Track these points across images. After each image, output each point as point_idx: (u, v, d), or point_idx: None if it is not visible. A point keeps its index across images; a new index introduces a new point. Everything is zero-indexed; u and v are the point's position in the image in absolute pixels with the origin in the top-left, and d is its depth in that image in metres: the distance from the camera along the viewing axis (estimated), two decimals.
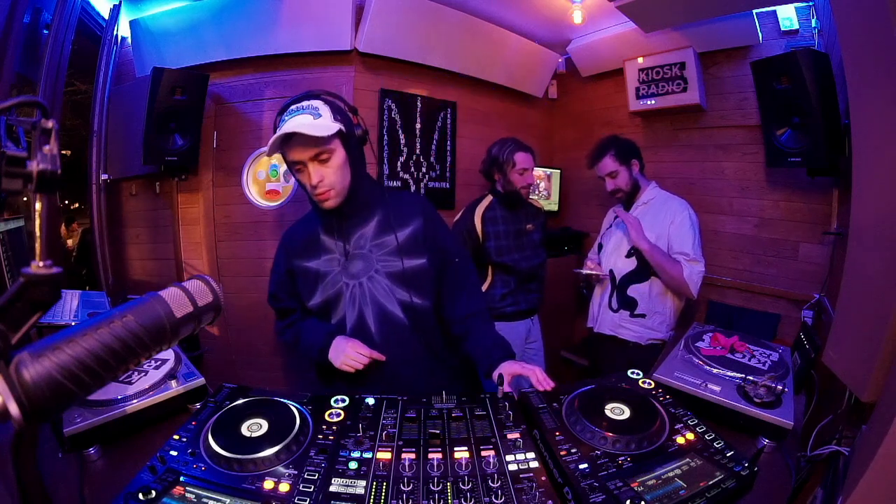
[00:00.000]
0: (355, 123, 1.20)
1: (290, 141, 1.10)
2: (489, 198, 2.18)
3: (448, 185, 2.91)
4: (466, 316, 1.31)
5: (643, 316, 1.99)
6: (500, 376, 1.09)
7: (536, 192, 3.18)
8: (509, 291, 2.14)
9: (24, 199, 1.68)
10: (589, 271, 2.09)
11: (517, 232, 2.17)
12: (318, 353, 1.24)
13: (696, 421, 0.95)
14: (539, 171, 3.20)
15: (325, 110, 1.11)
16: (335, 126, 1.10)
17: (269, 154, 1.13)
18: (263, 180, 2.67)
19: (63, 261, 3.45)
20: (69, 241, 4.51)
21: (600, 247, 2.19)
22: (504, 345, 1.27)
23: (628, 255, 2.01)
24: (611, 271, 2.06)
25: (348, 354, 1.18)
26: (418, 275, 1.24)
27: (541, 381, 1.09)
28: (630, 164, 2.02)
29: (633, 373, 1.15)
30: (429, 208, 1.33)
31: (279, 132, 1.08)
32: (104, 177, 2.58)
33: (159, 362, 1.15)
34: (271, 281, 1.38)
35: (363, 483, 0.77)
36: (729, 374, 1.15)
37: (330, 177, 1.14)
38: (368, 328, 1.24)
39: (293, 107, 1.13)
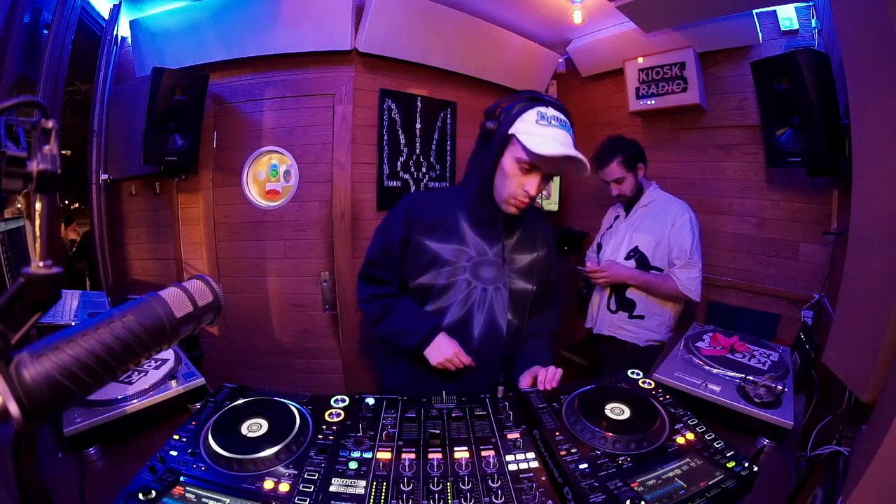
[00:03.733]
0: None
1: (556, 157, 1.04)
2: None
3: (448, 185, 2.91)
4: (530, 335, 1.35)
5: (641, 317, 1.99)
6: (501, 376, 1.10)
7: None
8: None
9: (24, 198, 1.68)
10: (592, 269, 2.07)
11: None
12: (417, 345, 1.21)
13: (696, 421, 0.95)
14: None
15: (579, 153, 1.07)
16: (587, 165, 1.08)
17: (529, 148, 1.04)
18: (263, 180, 2.67)
19: (63, 261, 3.45)
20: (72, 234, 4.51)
21: (599, 247, 2.19)
22: (542, 363, 1.27)
23: (627, 257, 2.01)
24: None
25: (449, 359, 1.18)
26: (526, 298, 1.28)
27: (546, 378, 1.11)
28: (636, 170, 2.00)
29: (633, 373, 1.15)
30: (552, 240, 1.36)
31: (558, 140, 1.03)
32: (104, 177, 2.58)
33: (159, 362, 1.15)
34: (374, 243, 1.31)
35: (363, 483, 0.77)
36: (729, 374, 1.15)
37: (539, 193, 1.13)
38: (471, 332, 1.24)
39: (556, 113, 1.07)
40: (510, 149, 1.10)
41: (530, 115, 1.06)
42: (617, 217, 2.15)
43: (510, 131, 1.08)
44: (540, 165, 1.08)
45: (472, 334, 1.24)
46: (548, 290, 1.35)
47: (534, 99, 1.09)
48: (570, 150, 1.03)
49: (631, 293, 2.00)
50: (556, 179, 3.36)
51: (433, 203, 1.28)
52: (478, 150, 1.20)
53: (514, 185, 1.11)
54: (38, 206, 0.48)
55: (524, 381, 1.18)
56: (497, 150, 1.11)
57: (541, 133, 1.04)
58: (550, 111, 1.07)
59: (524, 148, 1.06)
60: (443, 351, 1.19)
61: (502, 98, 1.14)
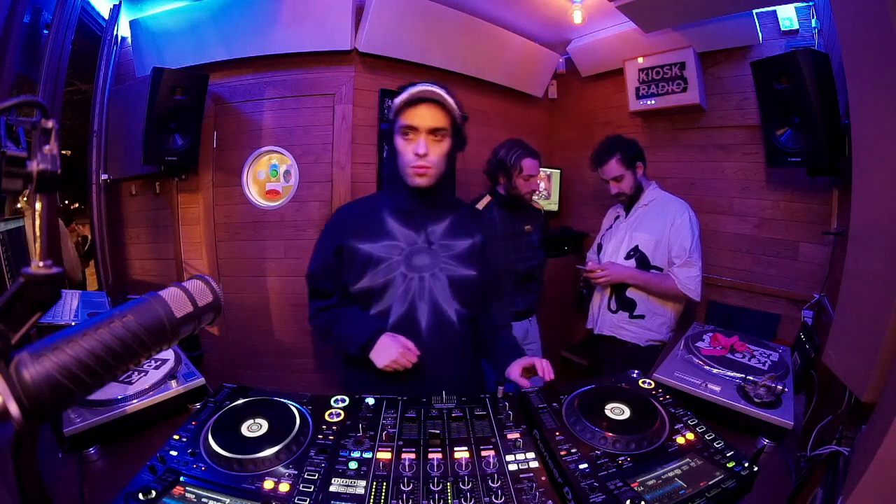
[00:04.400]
0: (463, 128, 1.26)
1: (417, 105, 1.14)
2: (487, 198, 2.17)
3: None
4: (496, 327, 1.39)
5: (642, 317, 1.99)
6: (503, 377, 1.10)
7: (537, 193, 3.18)
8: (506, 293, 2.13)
9: (24, 198, 1.68)
10: (591, 269, 2.06)
11: (515, 233, 2.17)
12: (360, 350, 1.20)
13: (696, 421, 0.95)
14: (539, 173, 3.20)
15: (452, 97, 1.19)
16: (457, 113, 1.19)
17: (394, 115, 1.17)
18: (263, 180, 2.67)
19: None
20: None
21: (599, 247, 2.19)
22: (519, 351, 1.32)
23: (627, 257, 2.01)
24: None
25: (396, 360, 1.14)
26: (471, 285, 1.28)
27: (544, 369, 1.13)
28: (635, 168, 2.01)
29: (633, 373, 1.15)
30: (487, 226, 1.42)
31: (414, 91, 1.13)
32: (104, 177, 2.57)
33: (159, 362, 1.15)
34: (313, 259, 1.34)
35: (363, 483, 0.77)
36: (729, 374, 1.15)
37: (434, 155, 1.18)
38: (418, 324, 1.23)
39: (422, 84, 1.17)
40: (395, 131, 1.20)
41: (402, 96, 1.17)
42: (617, 217, 2.16)
43: (392, 118, 1.20)
44: (414, 124, 1.15)
45: (420, 326, 1.23)
46: (494, 277, 1.38)
47: (407, 86, 1.19)
48: (422, 88, 1.13)
49: (631, 293, 2.00)
50: (556, 179, 3.36)
51: (359, 208, 1.34)
52: (386, 150, 1.31)
53: (407, 154, 1.18)
54: (38, 206, 0.48)
55: (514, 371, 1.18)
56: (391, 139, 1.23)
57: (403, 97, 1.15)
58: (417, 84, 1.17)
59: (398, 120, 1.17)
60: (388, 352, 1.16)
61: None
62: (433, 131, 1.16)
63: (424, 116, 1.15)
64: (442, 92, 1.15)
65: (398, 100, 1.16)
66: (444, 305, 1.24)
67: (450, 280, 1.25)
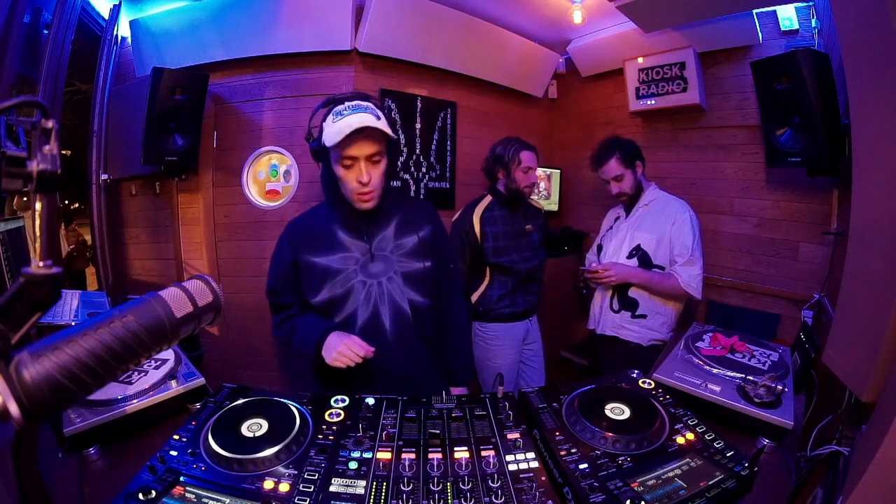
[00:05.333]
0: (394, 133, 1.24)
1: (355, 136, 1.12)
2: (488, 198, 2.17)
3: (448, 186, 2.91)
4: (450, 326, 1.44)
5: (644, 317, 2.00)
6: (500, 376, 1.09)
7: (537, 193, 3.18)
8: (507, 293, 2.13)
9: (24, 198, 1.68)
10: (596, 269, 2.03)
11: (516, 232, 2.17)
12: (313, 350, 1.22)
13: (696, 421, 0.95)
14: (539, 171, 3.18)
15: (380, 114, 1.17)
16: (393, 137, 1.17)
17: (332, 145, 1.14)
18: (263, 180, 2.67)
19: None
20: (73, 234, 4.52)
21: (599, 248, 2.19)
22: (469, 369, 1.49)
23: (629, 256, 2.02)
24: None
25: (341, 351, 1.15)
26: (425, 277, 1.32)
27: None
28: (635, 167, 2.02)
29: (633, 373, 1.15)
30: (436, 215, 1.42)
31: (349, 124, 1.10)
32: (104, 177, 2.57)
33: (159, 362, 1.15)
34: (271, 273, 1.36)
35: (363, 483, 0.77)
36: (729, 374, 1.15)
37: (376, 178, 1.20)
38: (383, 326, 1.28)
39: (350, 104, 1.15)
40: (331, 157, 1.20)
41: (329, 120, 1.15)
42: (617, 218, 2.16)
43: (322, 142, 1.18)
44: (353, 154, 1.15)
45: (385, 328, 1.27)
46: (444, 264, 1.41)
47: (329, 104, 1.19)
48: (358, 123, 1.10)
49: (633, 292, 2.00)
50: (556, 179, 3.36)
51: (311, 221, 1.35)
52: (322, 170, 1.30)
53: (350, 182, 1.19)
54: (38, 206, 0.48)
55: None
56: (326, 164, 1.24)
57: (337, 128, 1.12)
58: (344, 105, 1.15)
59: (332, 148, 1.16)
60: (334, 347, 1.17)
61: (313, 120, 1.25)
62: (370, 157, 1.18)
63: (362, 147, 1.16)
64: (377, 122, 1.14)
65: (330, 129, 1.14)
66: (401, 304, 1.29)
67: (404, 276, 1.29)
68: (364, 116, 1.13)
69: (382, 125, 1.14)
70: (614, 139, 2.07)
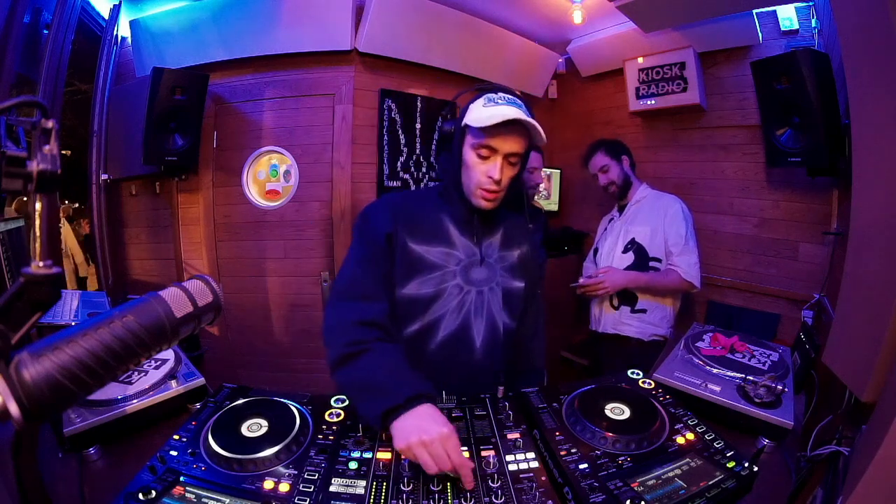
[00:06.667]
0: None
1: (502, 128, 1.00)
2: None
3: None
4: (522, 366, 1.27)
5: (644, 311, 2.01)
6: (499, 375, 1.09)
7: (537, 193, 3.18)
8: None
9: (24, 198, 1.67)
10: (587, 282, 2.01)
11: None
12: (382, 411, 0.83)
13: (696, 421, 0.95)
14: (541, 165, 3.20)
15: (534, 120, 1.02)
16: (543, 140, 1.03)
17: (477, 127, 1.01)
18: (263, 180, 2.67)
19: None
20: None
21: (595, 251, 2.21)
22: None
23: (625, 251, 2.05)
24: None
25: (432, 451, 0.77)
26: (520, 297, 1.20)
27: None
28: (620, 159, 2.08)
29: (633, 373, 1.15)
30: (534, 237, 1.26)
31: (503, 113, 0.97)
32: (104, 177, 2.58)
33: (159, 362, 1.14)
34: (350, 259, 1.10)
35: (363, 483, 0.77)
36: (729, 374, 1.15)
37: (506, 180, 1.07)
38: (472, 339, 1.13)
39: (506, 96, 1.04)
40: (466, 140, 1.08)
41: (479, 102, 1.05)
42: (611, 220, 2.21)
43: (463, 123, 1.06)
44: (494, 146, 1.03)
45: (474, 344, 1.13)
46: (535, 286, 1.26)
47: (482, 89, 1.08)
48: (515, 115, 0.98)
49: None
50: (556, 179, 3.36)
51: (415, 202, 1.19)
52: (444, 154, 1.17)
53: (478, 174, 1.06)
54: (38, 206, 0.48)
55: None
56: (457, 146, 1.09)
57: (488, 113, 1.01)
58: (499, 95, 1.05)
59: (474, 130, 1.04)
60: (423, 432, 0.78)
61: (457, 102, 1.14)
62: (510, 156, 1.05)
63: (507, 142, 1.03)
64: (532, 119, 1.01)
65: (479, 112, 1.02)
66: (498, 320, 1.16)
67: (504, 293, 1.16)
68: (520, 112, 1.00)
69: (537, 127, 1.01)
70: (599, 139, 2.19)
